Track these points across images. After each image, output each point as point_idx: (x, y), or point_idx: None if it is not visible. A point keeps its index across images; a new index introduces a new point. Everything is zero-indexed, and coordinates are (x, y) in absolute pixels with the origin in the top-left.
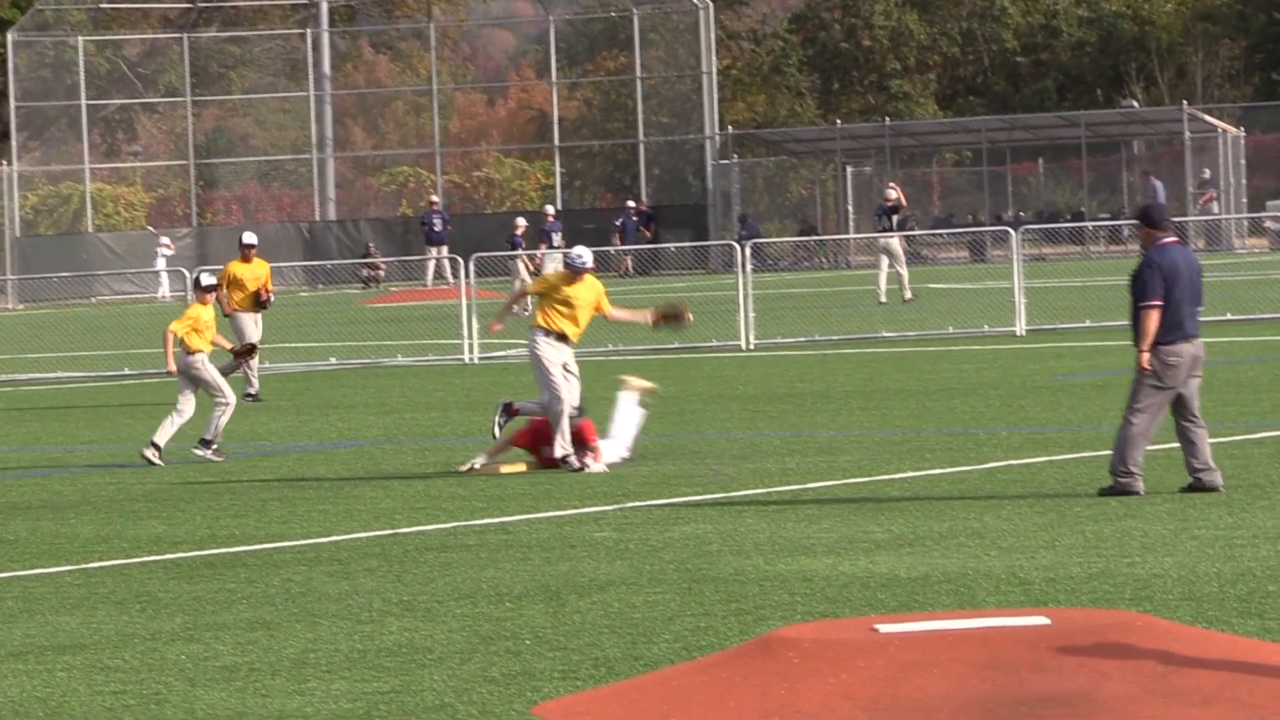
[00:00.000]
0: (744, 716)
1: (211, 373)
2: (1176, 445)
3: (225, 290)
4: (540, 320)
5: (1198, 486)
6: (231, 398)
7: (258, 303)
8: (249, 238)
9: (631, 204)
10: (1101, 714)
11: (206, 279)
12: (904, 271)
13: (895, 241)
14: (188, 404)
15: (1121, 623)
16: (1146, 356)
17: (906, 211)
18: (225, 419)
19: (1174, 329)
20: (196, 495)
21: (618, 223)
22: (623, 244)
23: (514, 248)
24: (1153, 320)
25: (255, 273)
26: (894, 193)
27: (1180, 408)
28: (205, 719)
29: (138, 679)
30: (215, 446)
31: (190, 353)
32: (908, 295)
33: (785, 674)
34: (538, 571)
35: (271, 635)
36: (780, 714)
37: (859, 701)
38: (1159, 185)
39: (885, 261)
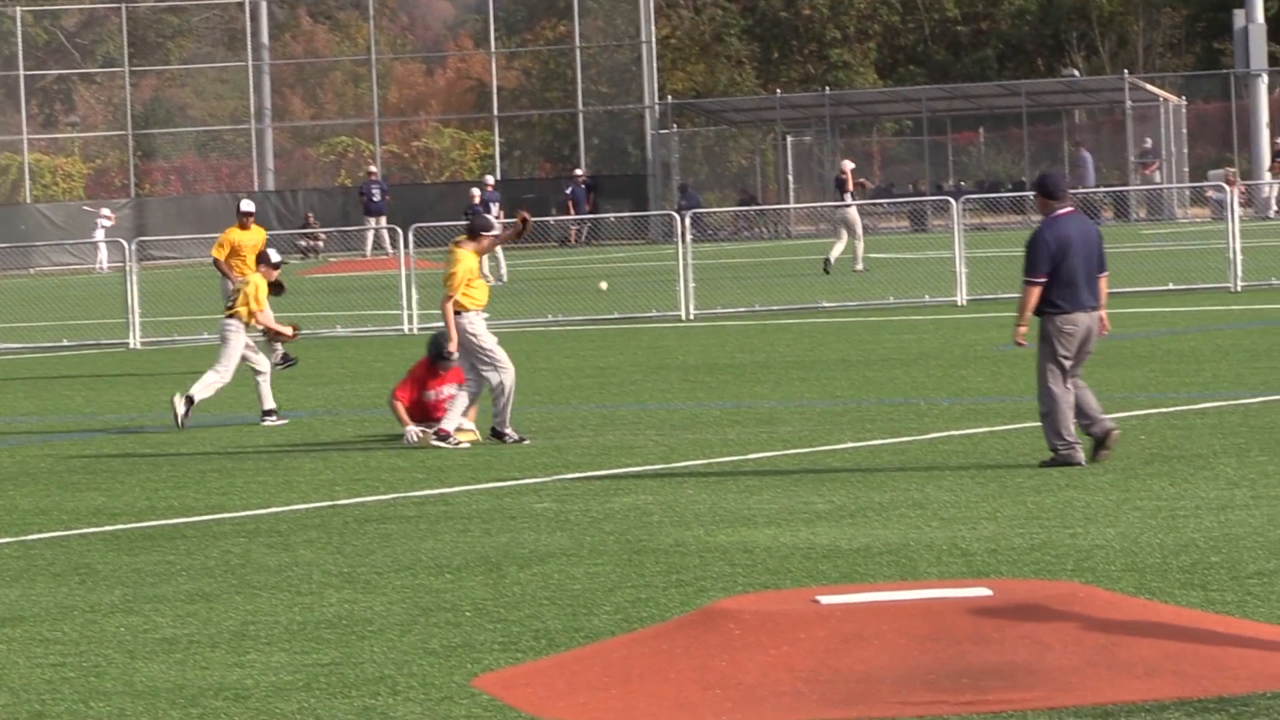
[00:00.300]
0: (684, 688)
1: (234, 345)
2: (1114, 416)
3: (226, 259)
4: (466, 304)
5: (1099, 443)
6: (228, 375)
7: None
8: (248, 205)
9: (580, 172)
10: (1044, 685)
11: (275, 255)
12: (859, 244)
13: (853, 212)
14: (262, 362)
15: (1064, 594)
16: (1022, 331)
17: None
18: (213, 391)
19: (1070, 299)
20: (135, 467)
21: (568, 191)
22: (575, 213)
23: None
24: (1031, 296)
25: (254, 239)
26: (850, 165)
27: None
28: (145, 691)
29: (77, 651)
30: (184, 414)
31: (231, 315)
32: (859, 266)
33: (726, 645)
34: (477, 543)
35: (211, 607)
36: (721, 686)
37: (800, 673)
38: (1089, 157)
39: (844, 232)
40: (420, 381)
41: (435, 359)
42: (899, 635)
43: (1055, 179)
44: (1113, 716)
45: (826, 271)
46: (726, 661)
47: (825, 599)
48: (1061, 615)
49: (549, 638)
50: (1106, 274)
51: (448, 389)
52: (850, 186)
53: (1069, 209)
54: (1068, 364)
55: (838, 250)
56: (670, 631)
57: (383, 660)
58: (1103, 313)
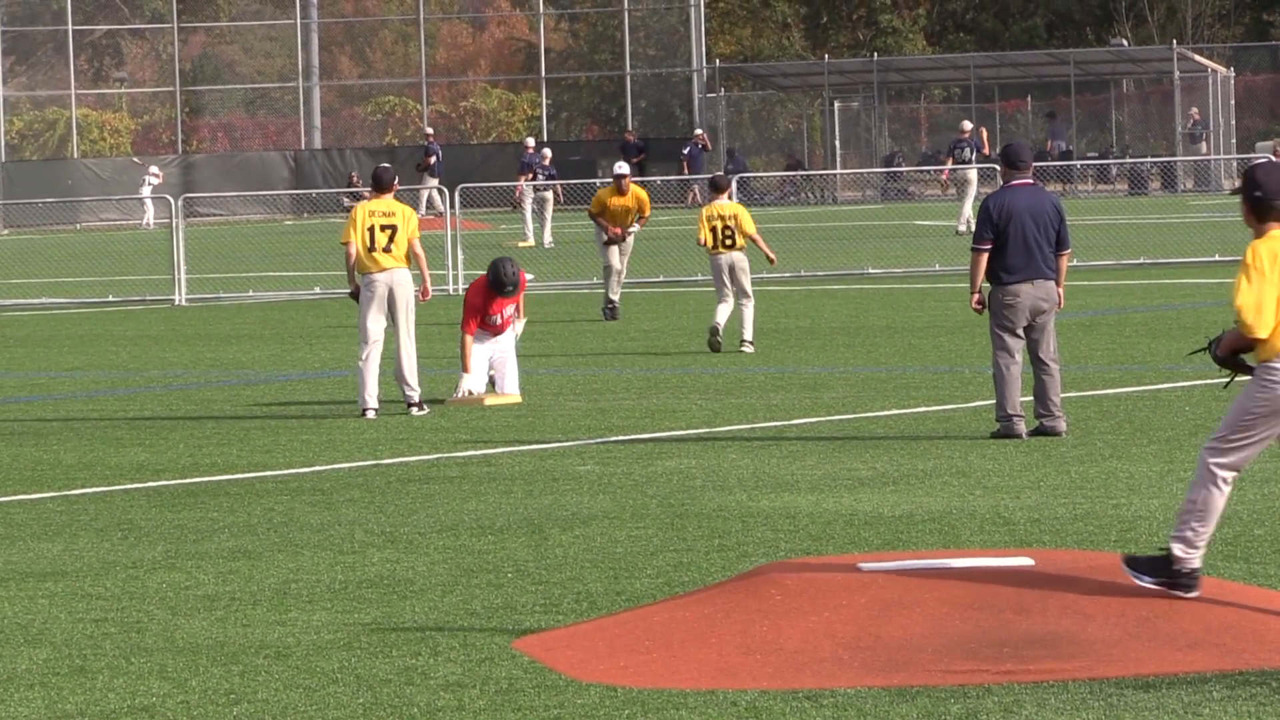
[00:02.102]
0: (726, 653)
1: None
2: (1147, 388)
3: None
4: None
5: (1040, 430)
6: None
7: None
8: (621, 168)
9: (699, 131)
10: (1084, 656)
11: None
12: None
13: (973, 173)
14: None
15: (1106, 564)
16: (975, 298)
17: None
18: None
19: (1013, 270)
20: (179, 423)
21: (685, 151)
22: (691, 173)
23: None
24: (976, 264)
25: (625, 205)
26: (969, 124)
27: (1032, 353)
28: (186, 648)
29: (119, 607)
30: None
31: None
32: (961, 228)
33: (768, 611)
34: (520, 504)
35: (253, 565)
36: (762, 651)
37: (841, 640)
38: (1059, 129)
39: (971, 192)
40: (478, 309)
41: (495, 286)
42: (941, 603)
43: (1016, 149)
44: (1154, 688)
45: (959, 234)
46: (768, 627)
47: (867, 566)
48: (1104, 586)
49: (590, 600)
50: (1067, 252)
51: (508, 310)
52: (964, 137)
53: (1026, 181)
54: (1012, 337)
55: (967, 208)
56: (712, 596)
57: (424, 620)
58: (1059, 290)
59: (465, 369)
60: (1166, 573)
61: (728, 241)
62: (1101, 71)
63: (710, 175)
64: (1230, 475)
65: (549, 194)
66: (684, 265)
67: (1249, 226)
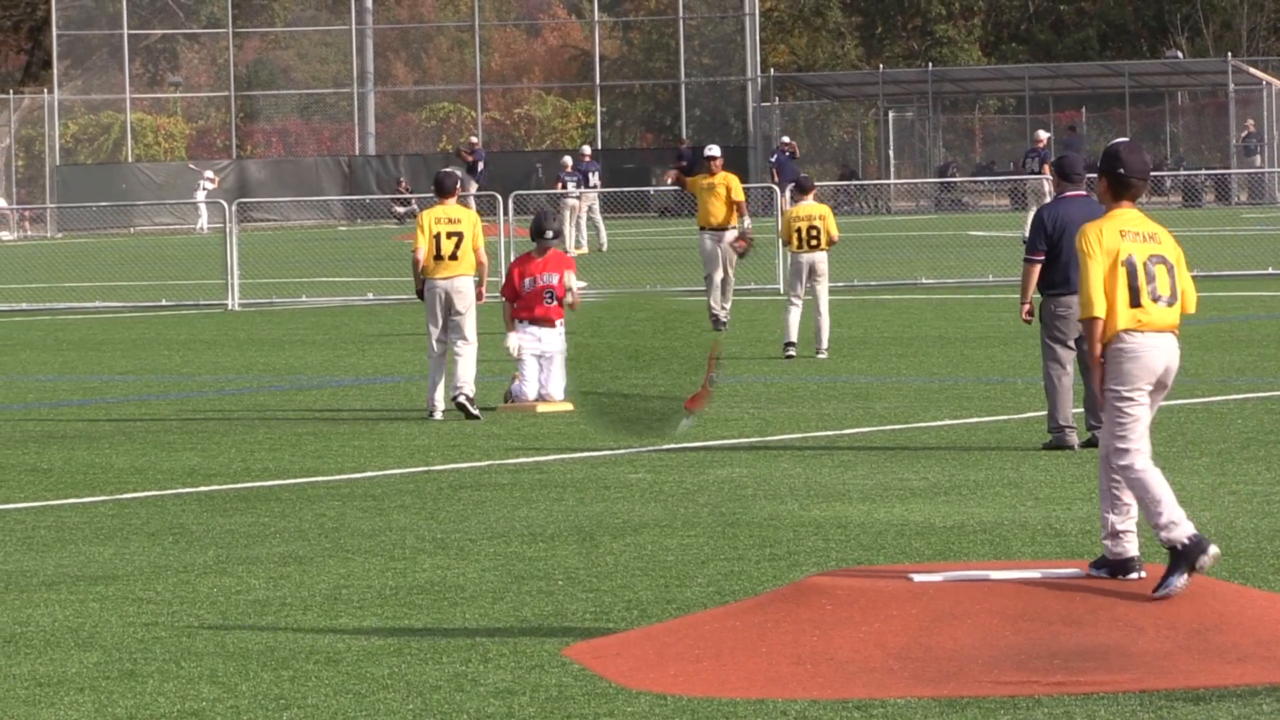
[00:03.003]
0: (776, 662)
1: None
2: (1199, 401)
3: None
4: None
5: (1092, 442)
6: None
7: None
8: (712, 149)
9: (786, 139)
10: (1135, 668)
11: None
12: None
13: (1047, 184)
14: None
15: (1158, 577)
16: (1026, 308)
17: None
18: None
19: (1064, 281)
20: (231, 428)
21: (772, 159)
22: (781, 181)
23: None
24: (1028, 274)
25: (713, 184)
26: (1045, 134)
27: (1083, 365)
28: (236, 652)
29: (169, 611)
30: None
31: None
32: None
33: (818, 621)
34: (571, 512)
35: (304, 570)
36: (813, 660)
37: (891, 650)
38: (1077, 141)
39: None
40: (513, 276)
41: (534, 235)
42: (991, 614)
43: (1070, 161)
44: (1204, 701)
45: None
46: (818, 637)
47: (918, 576)
48: (1154, 599)
49: (641, 608)
50: None
51: (544, 277)
52: (1038, 147)
53: (1080, 192)
54: (1063, 348)
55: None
56: (762, 605)
57: (474, 627)
58: None
59: (508, 329)
60: (1182, 560)
61: (813, 242)
62: (1156, 83)
63: (798, 177)
64: (1137, 462)
65: (573, 200)
66: (739, 274)
67: (1103, 204)
